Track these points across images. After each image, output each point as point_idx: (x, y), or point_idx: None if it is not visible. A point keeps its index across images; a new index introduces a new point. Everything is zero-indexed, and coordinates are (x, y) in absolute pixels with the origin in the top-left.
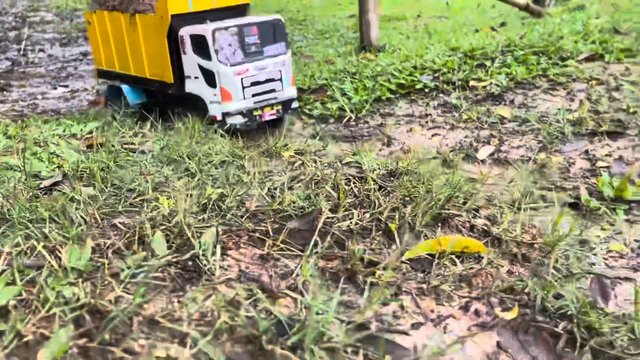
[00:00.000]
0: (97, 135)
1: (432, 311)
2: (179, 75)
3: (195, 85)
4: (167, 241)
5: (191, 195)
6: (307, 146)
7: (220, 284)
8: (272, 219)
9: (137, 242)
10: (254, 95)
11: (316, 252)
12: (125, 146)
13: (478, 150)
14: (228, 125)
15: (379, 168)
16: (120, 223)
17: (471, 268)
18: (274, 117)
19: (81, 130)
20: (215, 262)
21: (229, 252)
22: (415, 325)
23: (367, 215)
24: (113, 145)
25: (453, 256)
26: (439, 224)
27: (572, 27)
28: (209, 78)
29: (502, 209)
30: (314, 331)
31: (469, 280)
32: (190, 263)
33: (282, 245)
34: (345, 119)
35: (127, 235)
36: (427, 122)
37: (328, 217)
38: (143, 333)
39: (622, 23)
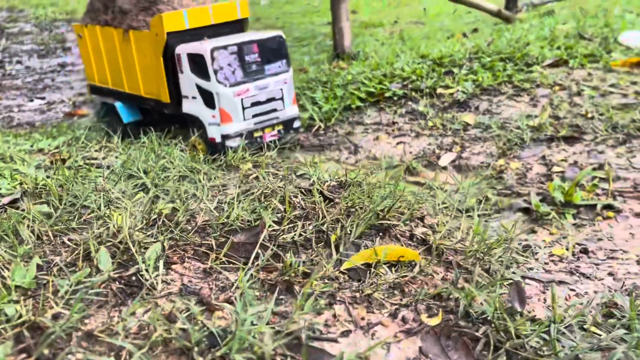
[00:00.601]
0: (62, 150)
1: (362, 319)
2: (176, 94)
3: (193, 106)
4: (114, 257)
5: (142, 211)
6: (265, 158)
7: (161, 298)
8: (219, 233)
9: (83, 259)
10: (254, 116)
11: (257, 265)
12: (87, 162)
13: (440, 157)
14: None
15: (330, 179)
16: (69, 240)
17: (404, 276)
18: (275, 137)
19: (49, 145)
20: (158, 277)
21: (174, 266)
22: (345, 333)
23: (311, 227)
24: (76, 161)
25: (385, 266)
26: (380, 234)
27: (539, 33)
28: (208, 99)
29: (445, 218)
30: (241, 341)
31: (401, 288)
32: (134, 278)
33: (225, 259)
34: (315, 128)
35: (75, 252)
36: (393, 130)
37: (273, 230)
38: (81, 347)
39: (587, 29)
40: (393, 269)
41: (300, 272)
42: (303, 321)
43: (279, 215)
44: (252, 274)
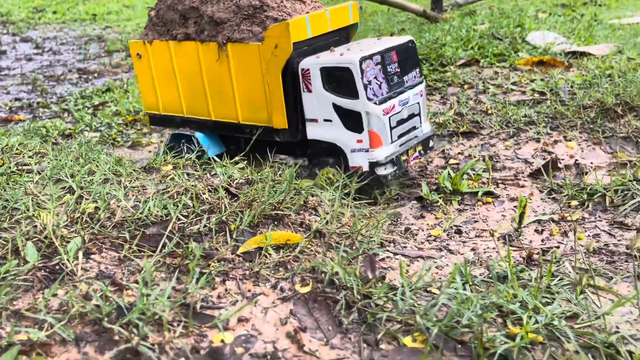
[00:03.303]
0: None
1: (249, 291)
2: (295, 118)
3: (325, 131)
4: (39, 250)
5: (66, 211)
6: (185, 160)
7: (80, 282)
8: (134, 227)
9: (12, 253)
10: (399, 137)
11: (164, 252)
12: (20, 167)
13: None
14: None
15: (238, 177)
16: (0, 238)
17: (288, 256)
18: (416, 160)
19: None
20: (77, 265)
21: (92, 256)
22: (233, 302)
23: (214, 219)
24: (9, 167)
25: (273, 249)
26: (275, 223)
27: (458, 33)
28: (351, 120)
29: (337, 207)
30: (143, 310)
31: (285, 266)
32: (57, 267)
33: (137, 249)
34: None
35: (5, 247)
36: None
37: (182, 223)
38: (10, 322)
39: (501, 29)
40: (281, 251)
41: (199, 256)
42: (198, 294)
43: (189, 210)
44: (159, 260)
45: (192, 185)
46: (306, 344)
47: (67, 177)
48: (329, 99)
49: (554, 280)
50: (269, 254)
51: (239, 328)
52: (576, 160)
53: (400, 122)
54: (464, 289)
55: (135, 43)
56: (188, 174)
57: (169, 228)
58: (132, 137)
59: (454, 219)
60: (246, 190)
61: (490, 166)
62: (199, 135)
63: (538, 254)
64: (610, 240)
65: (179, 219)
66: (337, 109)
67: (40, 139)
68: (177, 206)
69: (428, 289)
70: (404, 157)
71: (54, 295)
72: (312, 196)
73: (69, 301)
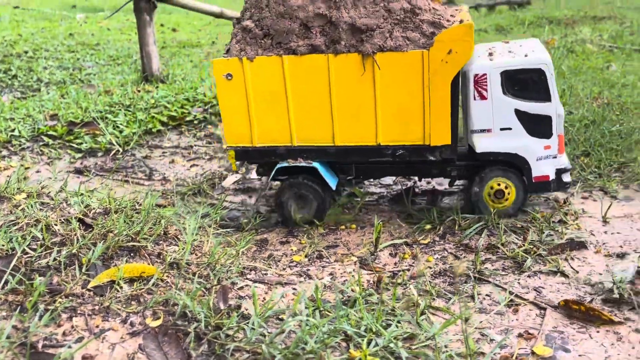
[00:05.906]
0: None
1: (97, 327)
2: (457, 132)
3: (502, 141)
4: None
5: None
6: (41, 188)
7: None
8: None
9: None
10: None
11: (6, 289)
12: None
13: (225, 179)
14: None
15: (98, 206)
16: None
17: (141, 288)
18: None
19: None
20: None
21: None
22: (79, 340)
23: (64, 252)
24: None
25: (125, 282)
26: (131, 254)
27: None
28: (538, 126)
29: (198, 236)
30: None
31: (138, 299)
32: None
33: None
34: (113, 152)
35: None
36: (189, 154)
37: (29, 256)
38: None
39: None
40: (135, 284)
41: (40, 292)
42: (41, 333)
43: (38, 242)
44: (0, 297)
45: (44, 216)
46: None
47: None
48: (511, 104)
49: (398, 302)
50: (121, 288)
51: None
52: (433, 186)
53: None
54: (314, 315)
55: (224, 62)
56: (42, 204)
57: (13, 263)
58: None
59: (317, 243)
60: (101, 220)
61: (361, 194)
62: (318, 165)
63: (388, 276)
64: (455, 262)
65: (27, 253)
66: (520, 114)
67: None
68: (25, 239)
69: (280, 317)
70: None
71: None
72: (173, 226)
73: None
